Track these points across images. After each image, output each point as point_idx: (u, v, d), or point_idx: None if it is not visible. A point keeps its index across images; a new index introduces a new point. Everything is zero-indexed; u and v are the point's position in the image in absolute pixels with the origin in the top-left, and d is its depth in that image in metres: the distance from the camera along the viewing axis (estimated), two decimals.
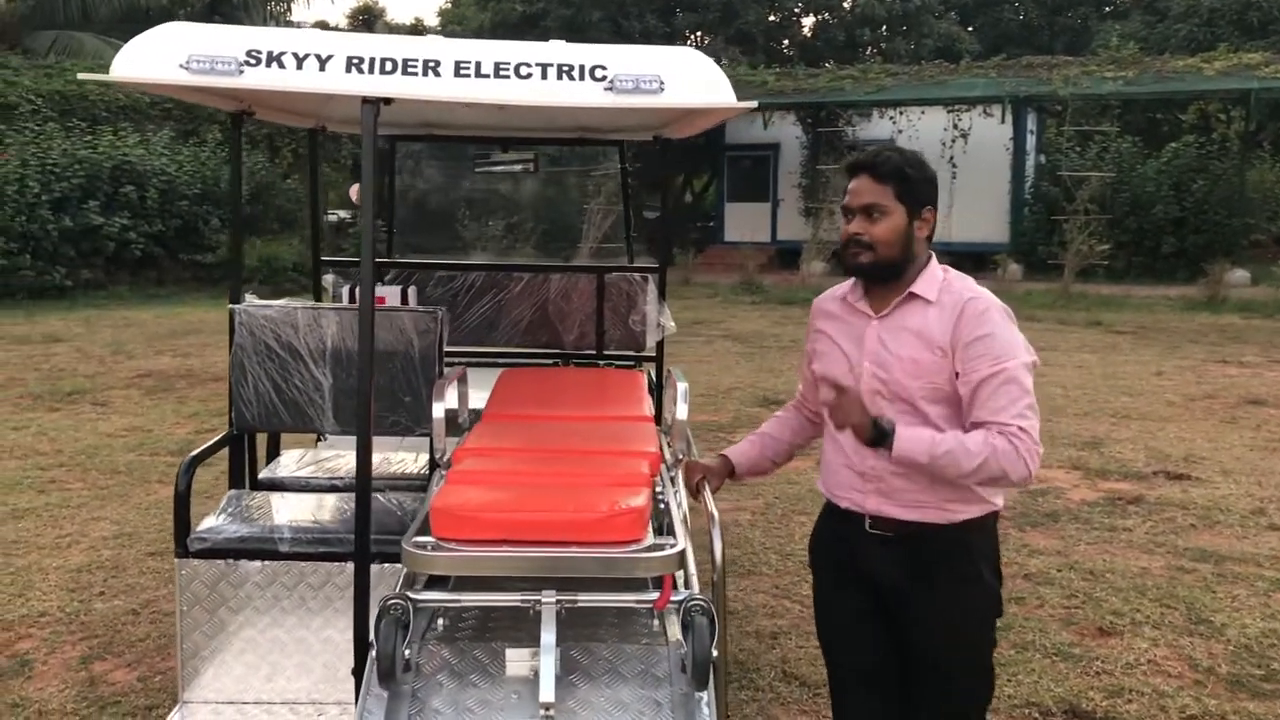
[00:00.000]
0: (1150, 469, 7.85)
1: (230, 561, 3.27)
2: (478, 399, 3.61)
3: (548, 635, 2.50)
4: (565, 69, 2.68)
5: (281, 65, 2.64)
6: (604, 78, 2.68)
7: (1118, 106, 21.23)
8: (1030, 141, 22.65)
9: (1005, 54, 25.38)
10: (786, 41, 26.62)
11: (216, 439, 3.69)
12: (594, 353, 4.79)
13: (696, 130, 4.10)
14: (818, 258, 20.57)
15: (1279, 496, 7.05)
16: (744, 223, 24.74)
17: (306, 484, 3.81)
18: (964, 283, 2.67)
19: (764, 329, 15.57)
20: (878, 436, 2.55)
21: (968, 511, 2.65)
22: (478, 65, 2.67)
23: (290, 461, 4.13)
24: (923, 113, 22.23)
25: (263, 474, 3.94)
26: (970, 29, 28.23)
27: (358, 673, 2.67)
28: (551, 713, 2.43)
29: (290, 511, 3.46)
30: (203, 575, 3.29)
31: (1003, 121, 21.66)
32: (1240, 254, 20.06)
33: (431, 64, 2.66)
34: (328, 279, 4.69)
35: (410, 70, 2.66)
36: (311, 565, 3.28)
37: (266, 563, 3.28)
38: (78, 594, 5.39)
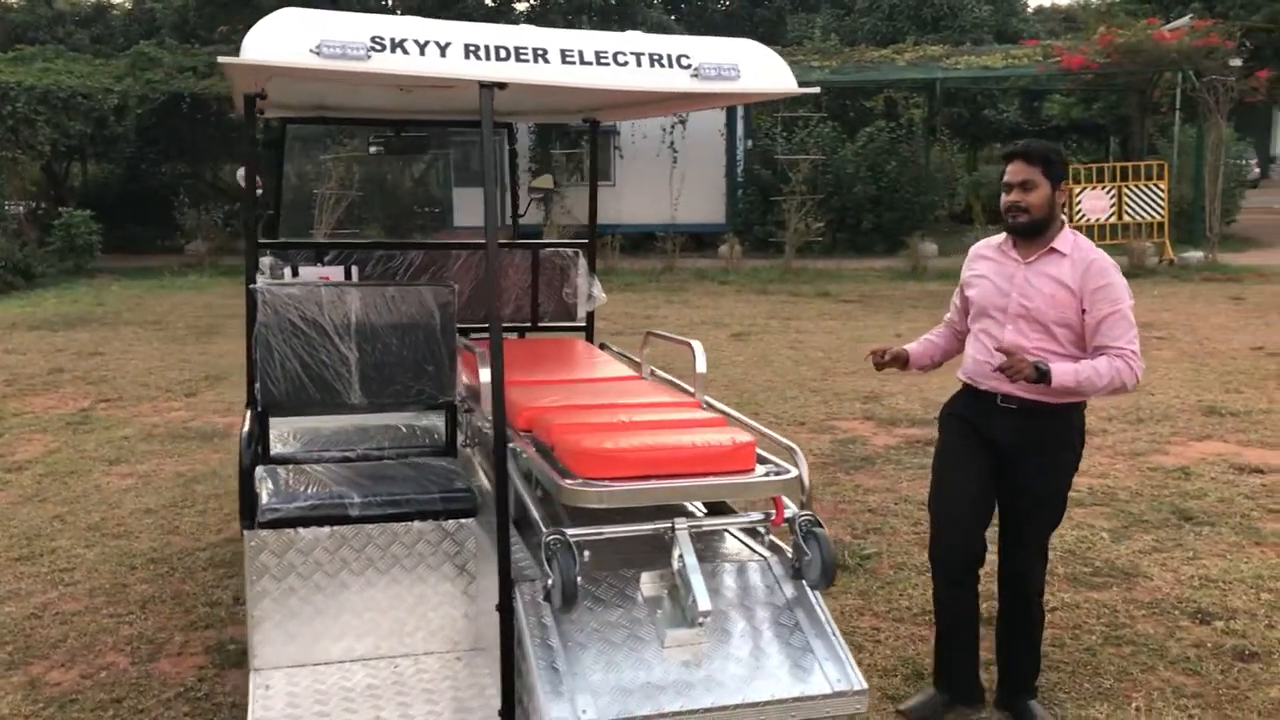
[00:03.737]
0: (931, 416, 8.90)
1: (299, 530, 3.36)
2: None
3: (689, 556, 2.86)
4: (655, 58, 3.02)
5: (405, 51, 2.82)
6: (688, 66, 3.05)
7: (825, 94, 23.00)
8: (740, 127, 24.11)
9: None
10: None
11: (249, 418, 3.73)
12: (529, 324, 5.07)
13: (643, 116, 4.47)
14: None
15: None
16: (474, 207, 24.80)
17: (320, 458, 3.90)
18: (1088, 244, 3.80)
19: None
20: (1040, 377, 3.57)
21: (1067, 400, 3.78)
22: (580, 53, 2.96)
23: (276, 441, 4.17)
24: None
25: (274, 452, 3.97)
26: (675, 18, 29.75)
27: (503, 608, 2.91)
28: (707, 620, 2.80)
29: (343, 480, 3.57)
30: (271, 545, 3.36)
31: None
32: (928, 228, 22.33)
33: (540, 52, 2.93)
34: (265, 261, 4.69)
35: (522, 58, 2.91)
36: (379, 527, 3.44)
37: (335, 528, 3.40)
38: None
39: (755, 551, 3.16)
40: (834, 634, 2.92)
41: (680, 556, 2.89)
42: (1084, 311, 3.69)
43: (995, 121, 29.23)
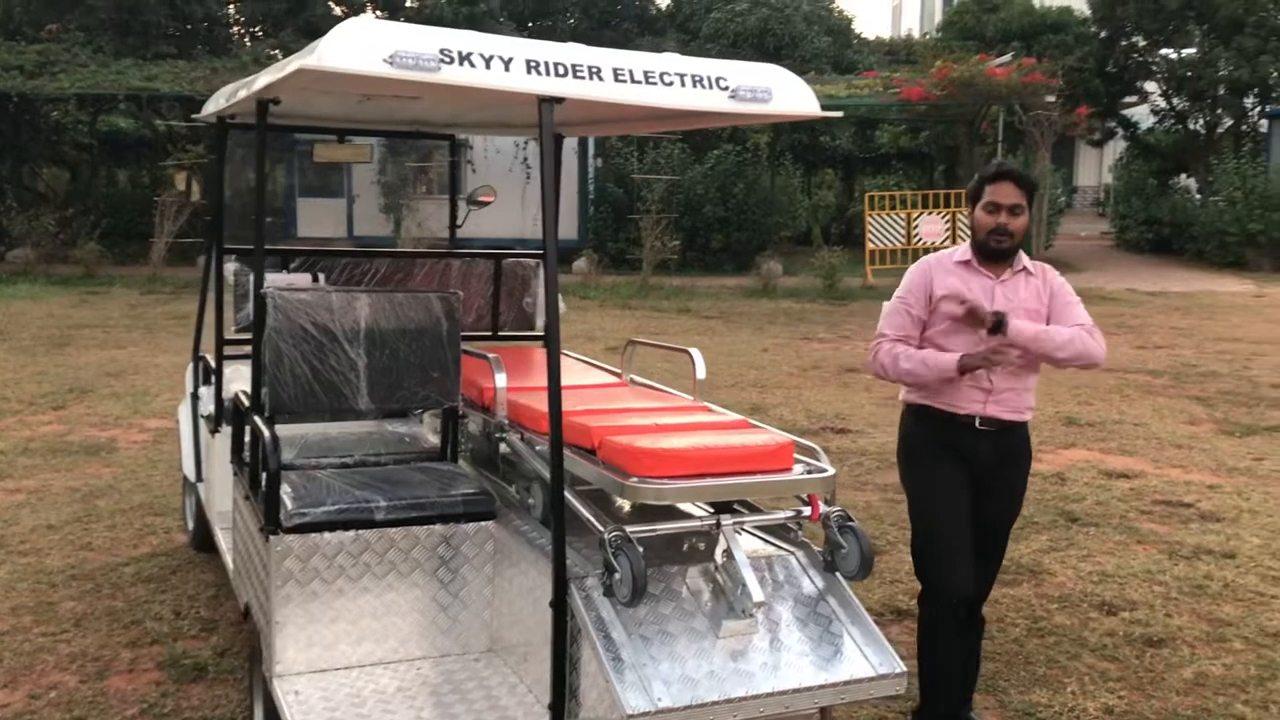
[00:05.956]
0: (816, 426, 9.30)
1: (324, 534, 3.36)
2: None
3: (738, 550, 3.02)
4: (697, 79, 3.19)
5: (472, 65, 2.90)
6: (726, 87, 3.22)
7: None
8: (591, 145, 24.38)
9: None
10: None
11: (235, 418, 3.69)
12: (490, 333, 5.12)
13: (591, 134, 4.62)
14: None
15: None
16: (317, 219, 24.30)
17: (319, 464, 3.87)
18: (1034, 261, 3.97)
19: None
20: (996, 325, 3.68)
21: (1028, 414, 3.95)
22: (630, 72, 3.10)
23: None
24: None
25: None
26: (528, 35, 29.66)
27: (557, 604, 3.00)
28: (760, 610, 2.96)
29: (361, 485, 3.57)
30: (296, 550, 3.34)
31: None
32: (774, 248, 23.10)
33: (595, 69, 3.05)
34: (229, 268, 4.61)
35: (579, 75, 3.03)
36: (401, 531, 3.46)
37: (360, 532, 3.41)
38: None
39: (781, 547, 3.35)
40: (869, 621, 3.13)
41: (726, 551, 3.05)
42: (1049, 315, 3.85)
43: (830, 148, 30.42)
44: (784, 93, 3.29)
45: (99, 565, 5.70)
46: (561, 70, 3.01)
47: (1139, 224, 26.67)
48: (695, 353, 4.04)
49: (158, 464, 7.68)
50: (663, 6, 31.44)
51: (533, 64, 2.98)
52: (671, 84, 3.14)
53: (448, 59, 2.87)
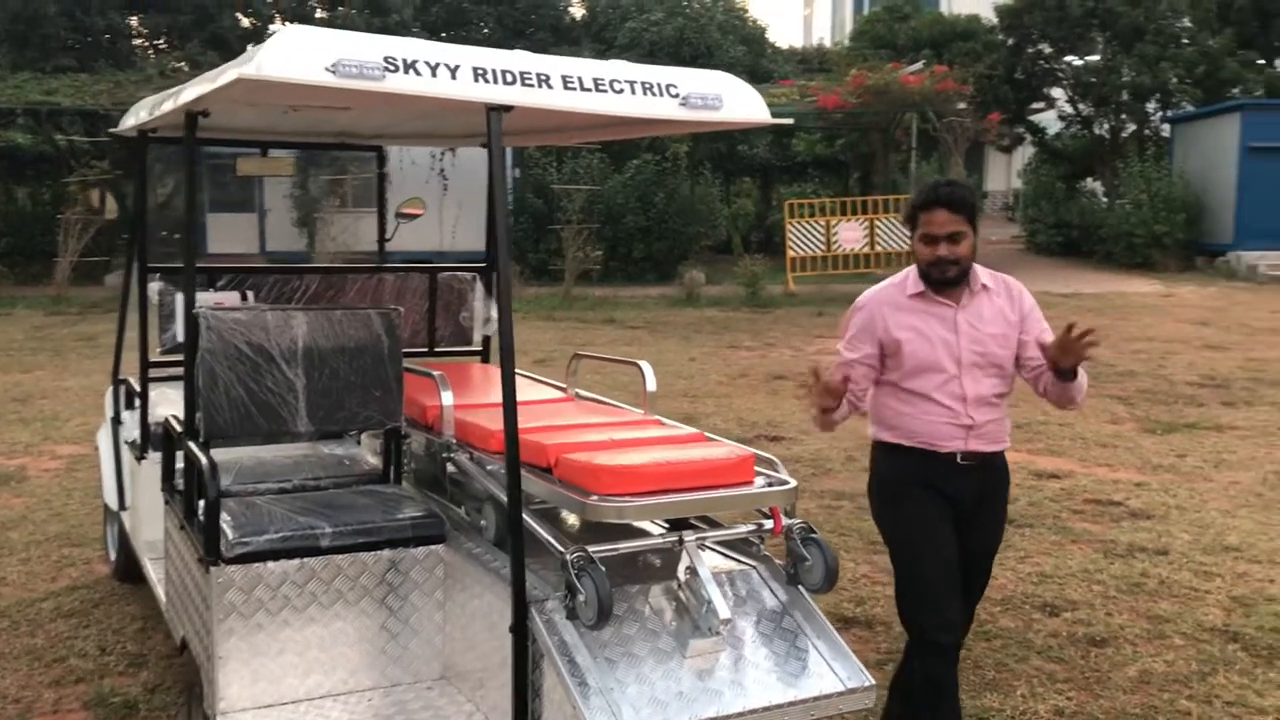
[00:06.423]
0: (751, 434, 9.29)
1: (268, 563, 3.21)
2: None
3: (702, 567, 2.95)
4: (647, 86, 3.12)
5: (418, 73, 2.80)
6: (677, 94, 3.16)
7: None
8: (510, 155, 24.23)
9: None
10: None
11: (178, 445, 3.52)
12: (426, 350, 4.99)
13: (533, 143, 4.54)
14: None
15: (849, 447, 8.66)
16: (229, 234, 23.73)
17: (255, 490, 3.71)
18: (992, 272, 3.67)
19: None
20: (1072, 371, 3.47)
21: (1007, 441, 3.73)
22: (580, 80, 3.02)
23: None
24: None
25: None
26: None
27: (517, 629, 2.90)
28: (727, 627, 2.89)
29: (304, 511, 3.43)
30: (239, 581, 3.19)
31: None
32: (695, 257, 23.17)
33: (544, 77, 2.97)
34: (153, 287, 4.42)
35: (528, 82, 2.94)
36: (348, 557, 3.32)
37: (305, 560, 3.26)
38: None
39: (743, 561, 3.28)
40: (834, 635, 3.08)
41: (690, 568, 2.98)
42: (1020, 334, 3.59)
43: (747, 157, 30.61)
44: (734, 100, 3.25)
45: (14, 601, 5.43)
46: (510, 78, 2.92)
47: (1049, 227, 27.26)
48: (645, 365, 3.97)
49: (73, 492, 7.38)
50: (577, 16, 31.41)
51: (480, 72, 2.89)
52: (622, 91, 3.07)
53: (393, 67, 2.76)
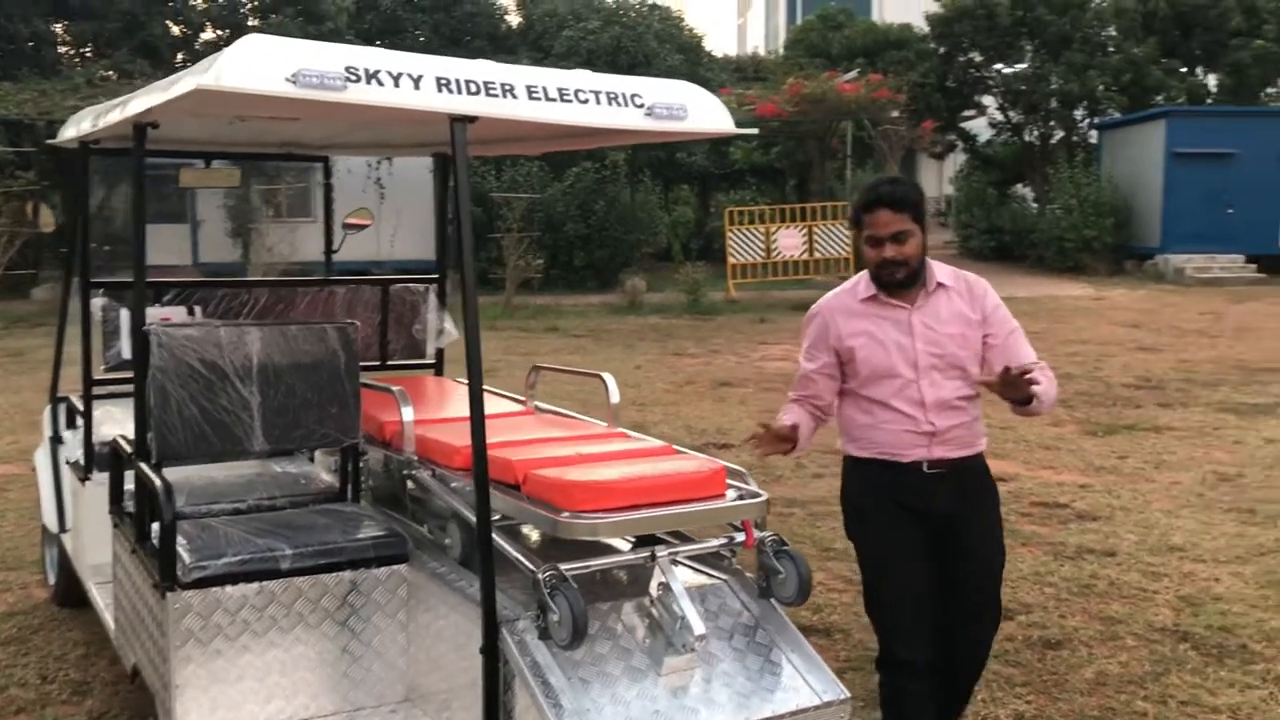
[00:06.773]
0: (700, 442, 9.27)
1: (226, 588, 3.11)
2: None
3: (675, 582, 2.92)
4: (612, 96, 3.08)
5: (380, 83, 2.73)
6: (642, 105, 3.13)
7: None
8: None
9: None
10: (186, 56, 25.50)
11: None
12: (379, 363, 4.89)
13: (492, 154, 4.50)
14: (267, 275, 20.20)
15: (810, 456, 8.71)
16: (161, 245, 23.22)
17: (209, 512, 3.60)
18: (954, 269, 3.52)
19: None
20: (1027, 400, 3.30)
21: (981, 444, 3.55)
22: (545, 90, 2.98)
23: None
24: None
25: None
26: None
27: (488, 650, 2.83)
28: (701, 644, 2.86)
29: (262, 533, 3.33)
30: (196, 606, 3.09)
31: None
32: (636, 265, 23.18)
33: (508, 87, 2.92)
34: (97, 303, 4.29)
35: (492, 92, 2.89)
36: (309, 580, 3.24)
37: (265, 583, 3.17)
38: None
39: (714, 576, 3.25)
40: (809, 648, 3.06)
41: (663, 584, 2.94)
42: (986, 335, 3.46)
43: (686, 164, 30.69)
44: (699, 110, 3.22)
45: None
46: (474, 88, 2.87)
47: (981, 233, 27.69)
48: (608, 377, 3.92)
49: (6, 514, 7.14)
50: (514, 25, 31.29)
51: (443, 81, 2.83)
52: (586, 101, 3.03)
53: (354, 77, 2.70)
